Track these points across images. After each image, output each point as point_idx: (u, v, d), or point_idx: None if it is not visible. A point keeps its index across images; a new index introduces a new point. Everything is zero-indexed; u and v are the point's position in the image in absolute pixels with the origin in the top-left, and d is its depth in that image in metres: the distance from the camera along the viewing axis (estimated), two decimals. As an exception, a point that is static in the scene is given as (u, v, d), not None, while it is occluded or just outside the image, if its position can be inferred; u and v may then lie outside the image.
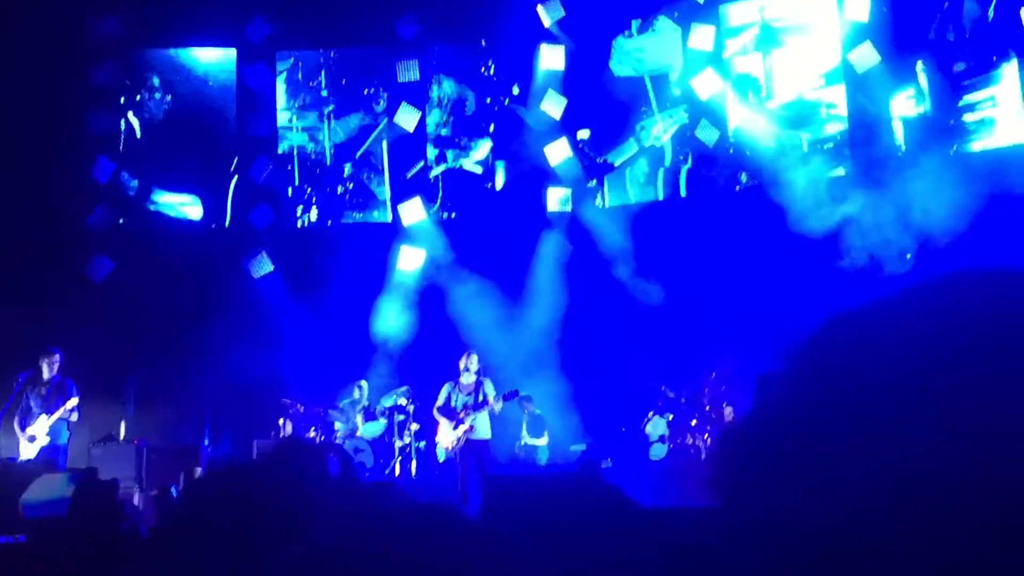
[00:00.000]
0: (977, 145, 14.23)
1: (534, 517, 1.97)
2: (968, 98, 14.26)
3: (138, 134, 16.45)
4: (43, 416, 11.99)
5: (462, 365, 12.60)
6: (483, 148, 16.62)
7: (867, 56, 14.45)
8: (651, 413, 14.03)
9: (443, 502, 1.72)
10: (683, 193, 15.86)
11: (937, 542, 0.81)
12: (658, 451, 13.74)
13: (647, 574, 2.13)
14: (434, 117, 16.66)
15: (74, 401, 12.08)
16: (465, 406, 12.38)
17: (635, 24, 16.02)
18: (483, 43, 16.55)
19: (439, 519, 1.66)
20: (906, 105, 14.55)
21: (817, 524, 0.86)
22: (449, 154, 16.65)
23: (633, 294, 15.16)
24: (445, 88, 16.64)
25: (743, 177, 15.44)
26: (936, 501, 0.81)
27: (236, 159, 16.33)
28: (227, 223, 16.41)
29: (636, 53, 16.06)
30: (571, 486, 2.19)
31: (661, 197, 16.03)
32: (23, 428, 11.96)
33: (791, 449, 0.91)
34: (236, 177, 16.37)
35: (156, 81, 16.55)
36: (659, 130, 15.99)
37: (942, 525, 0.81)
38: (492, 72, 16.60)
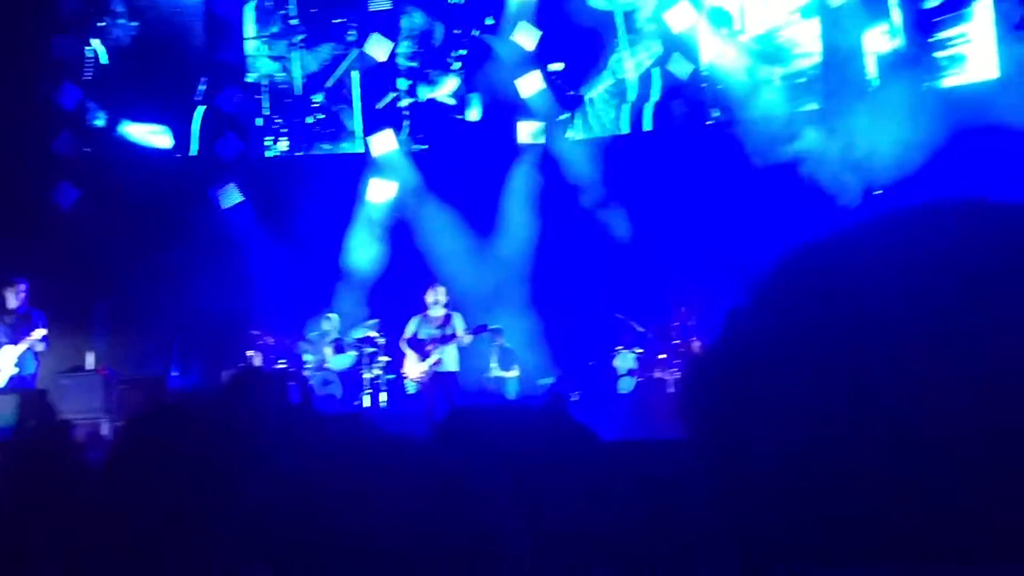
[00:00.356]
0: (949, 81, 14.24)
1: (498, 447, 1.98)
2: (940, 35, 14.24)
3: (104, 60, 16.19)
4: (9, 346, 11.92)
5: (430, 299, 12.61)
6: (450, 83, 16.47)
7: (841, -11, 14.38)
8: (620, 347, 14.11)
9: (408, 432, 1.73)
10: (647, 127, 15.81)
11: (893, 467, 0.82)
12: (626, 384, 13.84)
13: (609, 504, 2.15)
14: (404, 48, 16.48)
15: (41, 331, 12.01)
16: (432, 339, 12.41)
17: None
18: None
19: (403, 448, 1.66)
20: (879, 40, 14.51)
21: (778, 452, 0.87)
22: (420, 88, 16.50)
23: (602, 228, 15.17)
24: (415, 19, 16.44)
25: (715, 112, 15.39)
26: (893, 427, 0.82)
27: (203, 87, 16.11)
28: (193, 152, 16.24)
29: None
30: (536, 417, 2.19)
31: (626, 130, 15.99)
32: (-10, 357, 11.90)
33: (755, 380, 0.91)
34: (203, 107, 16.17)
35: (122, 7, 16.25)
36: (631, 64, 15.89)
37: (899, 451, 0.82)
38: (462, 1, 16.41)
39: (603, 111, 16.08)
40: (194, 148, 16.19)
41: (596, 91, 16.06)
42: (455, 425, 2.19)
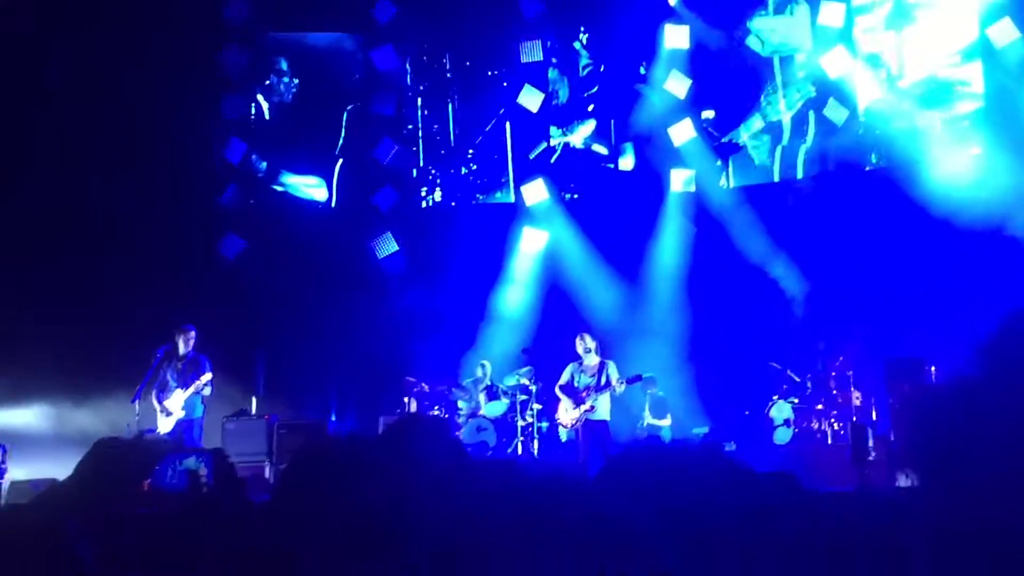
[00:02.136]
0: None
1: (655, 488, 1.96)
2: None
3: (267, 116, 16.84)
4: (179, 390, 12.38)
5: (580, 347, 12.63)
6: (587, 128, 16.56)
7: (1007, 32, 13.95)
8: (776, 397, 13.84)
9: (566, 471, 1.73)
10: (799, 174, 15.57)
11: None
12: (783, 435, 13.54)
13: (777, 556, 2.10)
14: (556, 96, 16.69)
15: (208, 376, 12.44)
16: (587, 387, 12.41)
17: (771, 3, 15.71)
18: (581, 30, 16.49)
19: (561, 488, 1.67)
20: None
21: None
22: (566, 134, 16.65)
23: (758, 276, 14.96)
24: (551, 75, 16.65)
25: (873, 157, 15.07)
26: None
27: (340, 141, 16.61)
28: (332, 203, 16.70)
29: (768, 32, 15.77)
30: (696, 458, 2.17)
31: (777, 177, 15.76)
32: (160, 401, 12.38)
33: (991, 453, 0.90)
34: (341, 160, 16.65)
35: (284, 65, 16.90)
36: (783, 107, 15.70)
37: None
38: (583, 45, 16.53)
39: (756, 155, 15.89)
40: (333, 199, 16.66)
41: (747, 135, 15.90)
42: (613, 466, 2.18)
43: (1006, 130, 14.13)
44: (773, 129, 15.83)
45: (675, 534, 1.75)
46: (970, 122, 14.67)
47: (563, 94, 16.68)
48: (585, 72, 16.60)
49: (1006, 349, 0.99)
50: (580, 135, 16.62)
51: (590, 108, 16.59)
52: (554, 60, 16.65)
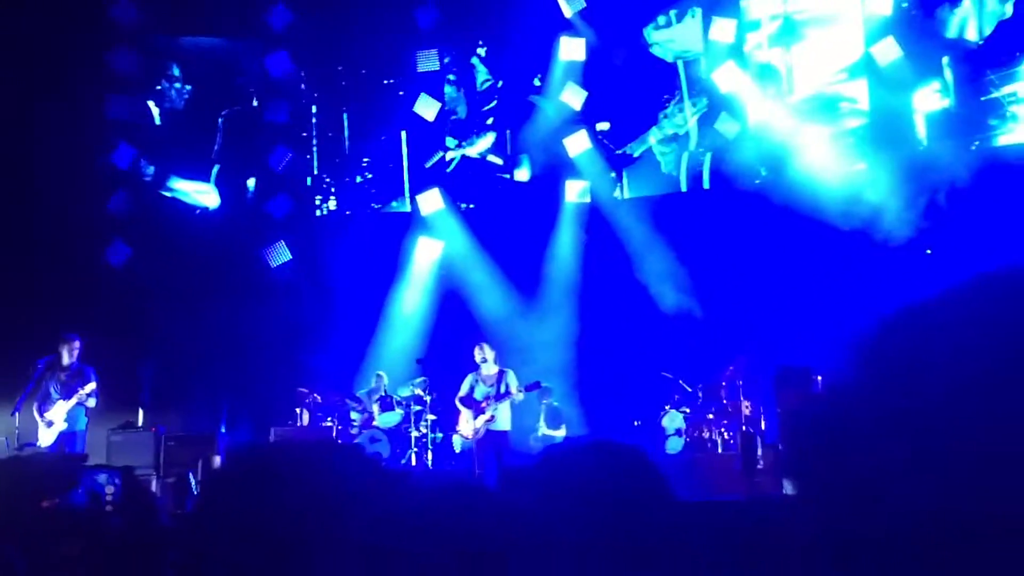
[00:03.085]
0: (1000, 140, 14.17)
1: (552, 490, 1.94)
2: (993, 94, 14.20)
3: (157, 121, 16.48)
4: (61, 401, 12.04)
5: (478, 357, 12.64)
6: (487, 139, 16.61)
7: (890, 50, 14.38)
8: (667, 406, 14.01)
9: (464, 480, 1.71)
10: (706, 184, 15.80)
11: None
12: (675, 444, 13.72)
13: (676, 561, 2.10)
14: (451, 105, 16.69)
15: (92, 386, 12.12)
16: (487, 396, 12.41)
17: (672, 13, 15.88)
18: (479, 44, 16.55)
19: (461, 496, 1.64)
20: (930, 99, 14.49)
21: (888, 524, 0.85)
22: (464, 145, 16.66)
23: (649, 287, 15.13)
24: (449, 90, 16.65)
25: (762, 171, 15.37)
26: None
27: (216, 147, 16.39)
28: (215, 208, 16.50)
29: (668, 43, 15.95)
30: (584, 451, 2.15)
31: (684, 188, 15.96)
32: (42, 413, 12.02)
33: (863, 441, 0.90)
34: (217, 165, 16.42)
35: (176, 70, 16.58)
36: (683, 117, 15.90)
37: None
38: (480, 59, 16.60)
39: (663, 163, 16.05)
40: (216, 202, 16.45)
41: (642, 149, 16.08)
42: (508, 478, 2.16)
43: (889, 146, 14.57)
44: (678, 138, 16.01)
45: (578, 536, 1.73)
46: (855, 138, 15.08)
47: (462, 109, 16.68)
48: (484, 87, 16.63)
49: (880, 351, 0.99)
50: (478, 147, 16.64)
51: (489, 121, 16.62)
52: (452, 76, 16.64)
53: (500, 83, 16.56)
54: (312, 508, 1.93)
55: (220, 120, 16.53)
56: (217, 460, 12.01)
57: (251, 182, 16.57)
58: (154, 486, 12.68)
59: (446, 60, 16.36)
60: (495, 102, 16.55)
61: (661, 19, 15.94)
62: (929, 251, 13.67)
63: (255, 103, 16.56)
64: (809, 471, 0.96)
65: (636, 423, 14.29)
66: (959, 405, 0.86)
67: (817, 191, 14.21)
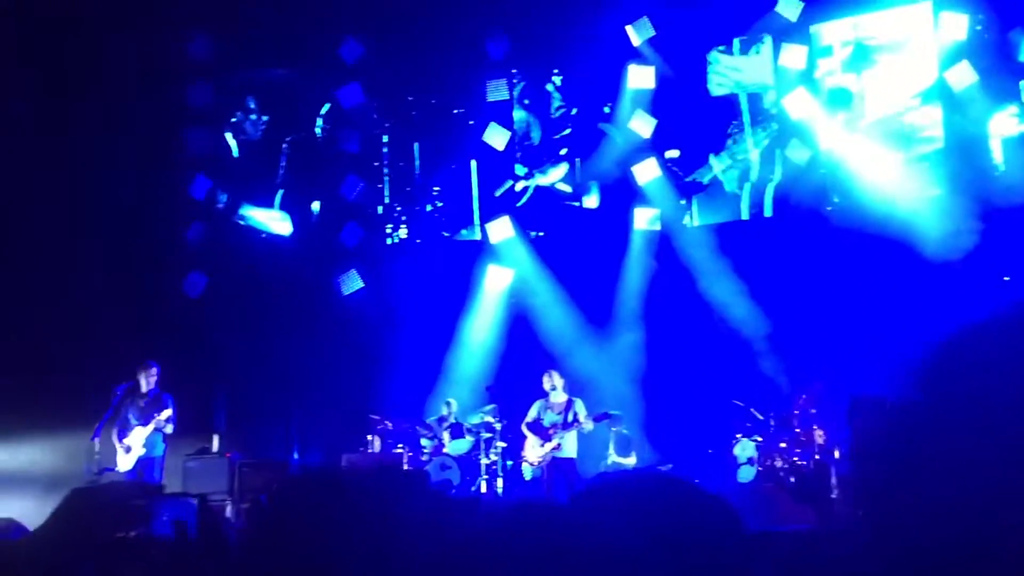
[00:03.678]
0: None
1: (627, 514, 1.96)
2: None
3: (235, 153, 16.81)
4: (139, 427, 12.27)
5: (547, 385, 12.66)
6: (560, 170, 16.65)
7: (964, 75, 14.19)
8: (739, 435, 13.88)
9: (534, 502, 1.74)
10: (767, 212, 15.69)
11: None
12: (746, 473, 13.57)
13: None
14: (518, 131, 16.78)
15: (168, 412, 12.33)
16: (554, 424, 12.41)
17: (736, 42, 15.88)
18: (555, 72, 16.63)
19: (530, 515, 1.67)
20: (1007, 124, 14.26)
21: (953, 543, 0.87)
22: (535, 175, 16.72)
23: (721, 314, 15.04)
24: (519, 115, 16.74)
25: (835, 197, 15.23)
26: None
27: (281, 172, 16.62)
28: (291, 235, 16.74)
29: (733, 72, 15.93)
30: (665, 484, 2.16)
31: (746, 216, 15.88)
32: (120, 439, 12.25)
33: (933, 475, 0.91)
34: (281, 191, 16.66)
35: (252, 103, 16.89)
36: (748, 146, 15.85)
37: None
38: (555, 87, 16.65)
39: (724, 181, 15.99)
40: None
41: (713, 174, 16.02)
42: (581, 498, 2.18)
43: (964, 172, 14.36)
44: (741, 167, 15.95)
45: (646, 561, 1.75)
46: (930, 163, 14.88)
47: (535, 135, 16.76)
48: (558, 114, 16.70)
49: (945, 371, 1.01)
50: (551, 178, 16.69)
51: (563, 152, 16.66)
52: (527, 101, 16.75)
53: (574, 111, 16.62)
54: (374, 531, 1.97)
55: (285, 145, 16.78)
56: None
57: (315, 206, 16.77)
58: (228, 511, 12.87)
59: (519, 86, 16.48)
60: (569, 130, 16.61)
61: (732, 44, 15.90)
62: (1007, 278, 13.43)
63: (318, 130, 16.79)
64: (877, 495, 0.98)
65: (709, 451, 14.17)
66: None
67: (890, 217, 14.03)
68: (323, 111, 16.82)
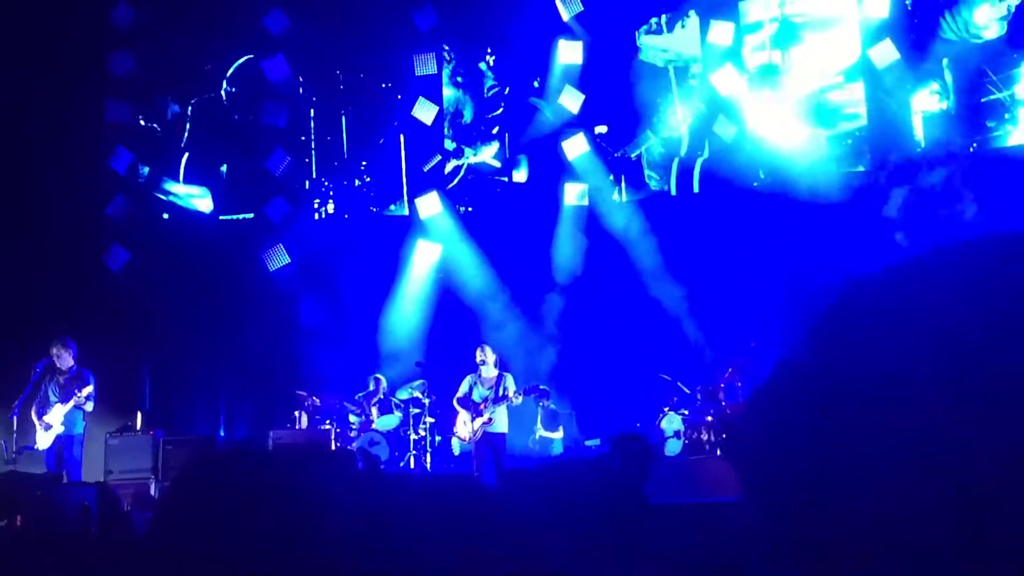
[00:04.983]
0: (997, 143, 14.19)
1: (550, 496, 1.96)
2: (992, 96, 14.22)
3: (154, 125, 16.50)
4: (59, 405, 12.04)
5: (479, 358, 12.66)
6: (491, 148, 16.61)
7: (887, 53, 14.39)
8: (666, 408, 14.00)
9: (463, 479, 1.72)
10: (695, 188, 15.80)
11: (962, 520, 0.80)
12: (673, 447, 13.70)
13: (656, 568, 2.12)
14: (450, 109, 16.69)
15: (89, 389, 12.10)
16: (485, 399, 12.42)
17: (663, 18, 15.91)
18: (488, 52, 16.55)
19: (460, 494, 1.65)
20: (928, 100, 14.50)
21: (844, 505, 0.85)
22: (465, 152, 16.65)
23: (648, 289, 15.14)
24: (449, 96, 16.65)
25: (761, 173, 15.38)
26: (958, 475, 0.80)
27: (185, 135, 16.39)
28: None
29: (660, 48, 15.96)
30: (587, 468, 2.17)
31: (674, 191, 15.97)
32: (40, 416, 12.02)
33: (811, 430, 0.89)
34: (186, 154, 16.42)
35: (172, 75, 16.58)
36: (676, 120, 15.90)
37: (967, 499, 0.80)
38: (488, 67, 16.59)
39: (654, 168, 16.07)
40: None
41: (639, 151, 16.07)
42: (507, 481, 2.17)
43: (887, 149, 14.58)
44: (669, 143, 16.01)
45: (566, 538, 1.74)
46: (853, 140, 15.09)
47: (467, 114, 16.67)
48: (490, 94, 16.62)
49: (827, 331, 0.99)
50: (483, 156, 16.63)
51: (495, 130, 16.61)
52: (459, 79, 16.65)
53: (507, 90, 16.55)
54: (297, 508, 1.92)
55: (189, 108, 16.50)
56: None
57: (223, 168, 16.52)
58: (152, 489, 12.70)
59: (450, 64, 16.38)
60: (501, 109, 16.55)
61: (653, 22, 15.92)
62: (899, 235, 13.67)
63: (223, 93, 16.50)
64: (754, 466, 0.96)
65: (636, 425, 14.28)
66: (896, 388, 0.86)
67: (813, 192, 14.22)
68: (228, 73, 16.55)
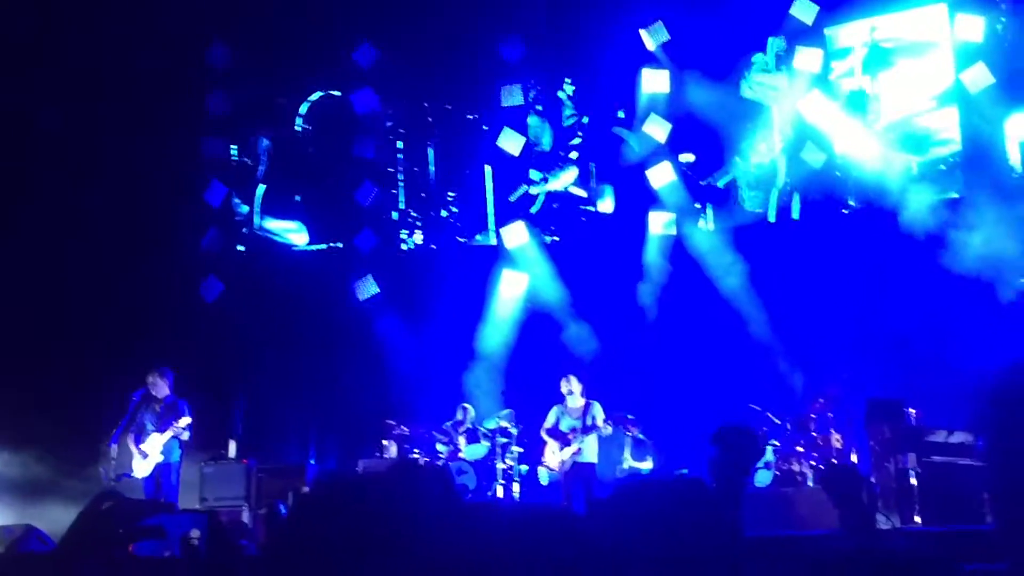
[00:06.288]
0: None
1: (641, 527, 1.96)
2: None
3: (250, 161, 16.86)
4: (156, 434, 12.30)
5: (564, 389, 12.65)
6: (570, 173, 16.61)
7: (981, 77, 14.13)
8: (756, 439, 13.80)
9: (552, 507, 1.73)
10: (795, 215, 15.56)
11: None
12: (763, 477, 13.51)
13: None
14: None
15: (186, 420, 12.37)
16: (573, 429, 12.40)
17: (772, 56, 15.64)
18: (567, 81, 16.59)
19: (549, 523, 1.66)
20: (1024, 127, 14.21)
21: None
22: (549, 179, 16.68)
23: (738, 317, 14.99)
24: (532, 122, 16.70)
25: (851, 200, 15.18)
26: None
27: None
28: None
29: (770, 87, 15.70)
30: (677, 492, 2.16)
31: (773, 218, 15.76)
32: (137, 445, 12.29)
33: None
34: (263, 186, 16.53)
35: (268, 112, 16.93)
36: (764, 150, 15.75)
37: None
38: (568, 96, 16.60)
39: (747, 197, 15.90)
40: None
41: (726, 180, 15.93)
42: (598, 508, 2.18)
43: (982, 175, 14.29)
44: (763, 171, 15.83)
45: (660, 565, 1.74)
46: (946, 166, 14.82)
47: (546, 141, 16.74)
48: (570, 122, 16.67)
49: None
50: (562, 181, 16.66)
51: (573, 156, 16.63)
52: (539, 107, 16.72)
53: (585, 119, 16.58)
54: (394, 536, 1.96)
55: (266, 143, 16.80)
56: (306, 491, 12.15)
57: (307, 201, 16.74)
58: (245, 517, 12.90)
59: (532, 94, 16.47)
60: (579, 138, 16.58)
61: (759, 58, 15.70)
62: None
63: (298, 128, 16.74)
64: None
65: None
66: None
67: (908, 221, 13.99)
68: (302, 110, 16.82)
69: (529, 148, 16.58)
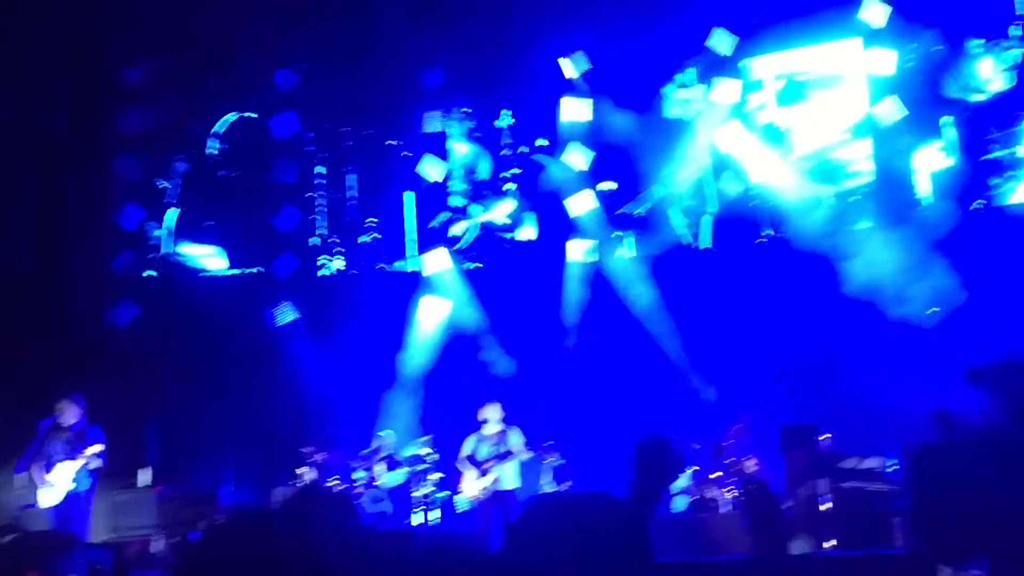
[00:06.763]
0: (1001, 200, 14.24)
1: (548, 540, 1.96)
2: (995, 154, 14.27)
3: (165, 183, 16.62)
4: (67, 462, 12.01)
5: (481, 416, 12.63)
6: (504, 206, 16.63)
7: (893, 109, 14.48)
8: (673, 466, 13.88)
9: (463, 541, 1.73)
10: (706, 243, 15.78)
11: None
12: (680, 503, 13.60)
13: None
14: (457, 171, 16.74)
15: (97, 447, 12.06)
16: (490, 457, 12.37)
17: (693, 74, 15.81)
18: (504, 111, 16.64)
19: (459, 559, 1.65)
20: (934, 158, 14.55)
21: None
22: (473, 209, 16.68)
23: (655, 344, 15.12)
24: (464, 154, 16.71)
25: (766, 230, 15.41)
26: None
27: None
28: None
29: (687, 100, 15.89)
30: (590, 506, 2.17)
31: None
32: (45, 474, 11.98)
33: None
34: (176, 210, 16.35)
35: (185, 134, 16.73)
36: (687, 176, 15.89)
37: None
38: (507, 125, 16.66)
39: (675, 226, 15.99)
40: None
41: (646, 208, 16.05)
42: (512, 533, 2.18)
43: (891, 205, 14.62)
44: (689, 197, 15.94)
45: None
46: (860, 197, 15.12)
47: (483, 171, 16.69)
48: (505, 152, 16.66)
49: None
50: (497, 213, 16.64)
51: (508, 188, 16.59)
52: (478, 134, 16.71)
53: (523, 148, 16.58)
54: (298, 559, 1.94)
55: (178, 164, 16.56)
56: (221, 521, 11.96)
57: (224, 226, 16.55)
58: (158, 546, 12.64)
59: (465, 121, 16.44)
60: (519, 169, 16.58)
61: (678, 78, 15.87)
62: (935, 309, 13.67)
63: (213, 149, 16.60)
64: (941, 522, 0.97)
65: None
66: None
67: (820, 251, 14.25)
68: (216, 130, 16.66)
69: (456, 175, 16.57)
